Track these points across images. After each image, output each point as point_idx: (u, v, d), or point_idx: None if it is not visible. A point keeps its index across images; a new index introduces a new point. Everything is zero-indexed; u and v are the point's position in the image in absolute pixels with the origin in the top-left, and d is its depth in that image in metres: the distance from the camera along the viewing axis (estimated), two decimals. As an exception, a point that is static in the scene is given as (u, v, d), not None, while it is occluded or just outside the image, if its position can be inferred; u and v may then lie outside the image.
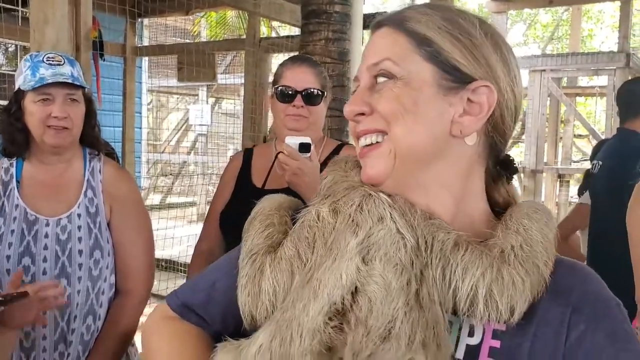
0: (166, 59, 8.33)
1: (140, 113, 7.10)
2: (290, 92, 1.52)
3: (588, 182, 2.75)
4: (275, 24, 9.24)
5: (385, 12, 0.75)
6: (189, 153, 11.55)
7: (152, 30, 8.76)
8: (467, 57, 0.64)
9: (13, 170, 1.49)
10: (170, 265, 5.88)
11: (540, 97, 6.19)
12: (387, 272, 0.58)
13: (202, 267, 1.60)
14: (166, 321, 0.79)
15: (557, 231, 0.65)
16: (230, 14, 9.74)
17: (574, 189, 7.47)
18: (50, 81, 1.40)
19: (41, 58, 1.43)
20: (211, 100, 11.16)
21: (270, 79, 4.72)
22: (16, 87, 1.46)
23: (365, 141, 0.67)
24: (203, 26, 10.53)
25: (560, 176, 6.98)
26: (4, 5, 3.82)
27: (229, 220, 1.59)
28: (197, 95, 10.83)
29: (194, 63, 4.80)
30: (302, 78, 1.53)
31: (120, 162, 3.78)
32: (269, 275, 0.66)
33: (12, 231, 1.44)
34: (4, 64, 6.81)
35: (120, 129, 4.93)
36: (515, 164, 0.73)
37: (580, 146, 12.09)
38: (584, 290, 0.64)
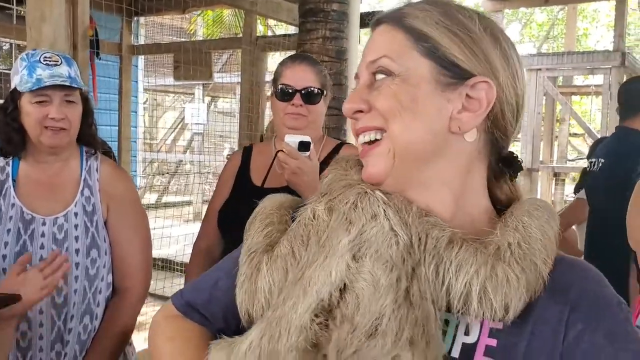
0: (162, 58, 8.33)
1: (137, 112, 7.07)
2: (289, 91, 1.52)
3: (585, 180, 2.77)
4: (271, 22, 9.23)
5: (381, 10, 0.75)
6: (185, 152, 11.54)
7: (148, 28, 8.74)
8: (465, 53, 0.64)
9: (9, 169, 1.48)
10: (166, 265, 5.88)
11: (536, 96, 6.22)
12: (376, 269, 0.58)
13: (201, 266, 1.62)
14: (170, 320, 0.81)
15: (559, 229, 0.65)
16: (227, 12, 9.73)
17: (569, 187, 7.50)
18: (47, 84, 1.38)
19: (38, 58, 1.42)
20: (207, 99, 11.16)
21: (267, 77, 4.76)
22: (12, 87, 1.44)
23: (364, 138, 0.67)
24: (199, 25, 10.52)
25: (555, 174, 7.02)
26: (-1, 3, 3.80)
27: (227, 218, 1.58)
28: (194, 94, 10.82)
29: (191, 62, 4.78)
30: (302, 77, 1.53)
31: (117, 161, 3.76)
32: (265, 273, 0.66)
33: (8, 230, 1.43)
34: (-2, 63, 6.78)
35: (116, 127, 4.91)
36: (519, 161, 0.72)
37: (575, 145, 12.15)
38: (584, 288, 0.62)
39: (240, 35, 5.69)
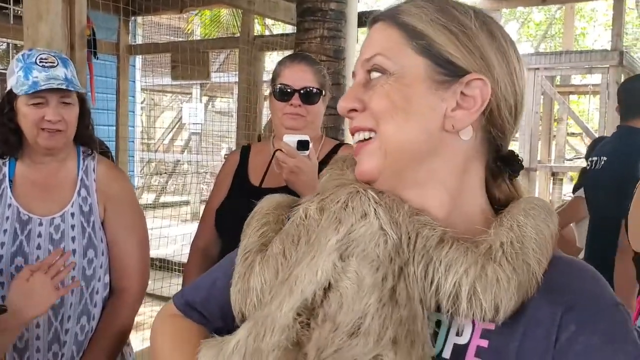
0: (160, 57, 8.29)
1: (134, 111, 7.06)
2: (288, 91, 1.51)
3: (585, 178, 2.77)
4: (268, 22, 9.23)
5: (378, 10, 0.75)
6: (182, 152, 11.53)
7: (145, 28, 8.71)
8: (460, 50, 0.63)
9: (6, 169, 1.47)
10: (164, 265, 5.88)
11: (534, 95, 6.22)
12: (361, 268, 0.58)
13: (199, 265, 1.62)
14: (170, 319, 0.82)
15: (557, 228, 0.63)
16: (224, 12, 9.72)
17: (567, 186, 7.51)
18: (44, 87, 1.37)
19: (34, 59, 1.41)
20: (205, 98, 11.13)
21: (265, 77, 4.75)
22: (8, 87, 1.43)
23: (359, 137, 0.67)
24: (197, 24, 10.51)
25: (553, 174, 7.02)
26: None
27: (225, 218, 1.58)
28: (191, 93, 10.79)
29: (188, 61, 4.77)
30: (301, 76, 1.52)
31: (114, 160, 3.75)
32: (257, 272, 0.67)
33: (5, 231, 1.42)
34: (-5, 62, 6.76)
35: (114, 127, 4.90)
36: (520, 160, 0.71)
37: (573, 144, 12.17)
38: (579, 289, 0.61)
39: (238, 34, 5.68)
